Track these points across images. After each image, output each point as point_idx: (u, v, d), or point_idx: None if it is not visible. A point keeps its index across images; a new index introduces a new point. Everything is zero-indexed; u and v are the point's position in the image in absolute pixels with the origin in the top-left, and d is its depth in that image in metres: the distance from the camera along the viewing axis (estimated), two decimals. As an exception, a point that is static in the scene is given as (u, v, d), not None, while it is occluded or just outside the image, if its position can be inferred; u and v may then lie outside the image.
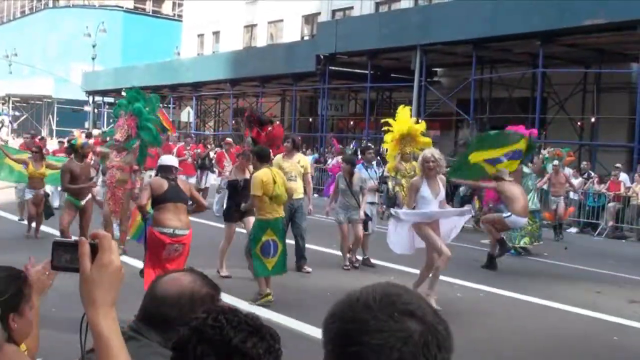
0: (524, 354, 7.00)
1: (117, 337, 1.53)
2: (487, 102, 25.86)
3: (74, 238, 1.66)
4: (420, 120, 14.19)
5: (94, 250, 1.53)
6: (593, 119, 23.73)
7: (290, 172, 10.35)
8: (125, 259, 9.40)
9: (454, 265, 10.25)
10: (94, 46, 46.38)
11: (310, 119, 34.86)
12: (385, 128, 12.66)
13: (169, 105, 39.86)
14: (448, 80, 28.04)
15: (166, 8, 62.98)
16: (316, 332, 7.24)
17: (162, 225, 7.15)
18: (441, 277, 8.95)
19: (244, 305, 7.67)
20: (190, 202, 7.62)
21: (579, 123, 24.03)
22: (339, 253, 11.15)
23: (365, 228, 10.93)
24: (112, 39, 50.95)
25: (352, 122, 34.12)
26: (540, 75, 20.82)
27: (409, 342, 1.23)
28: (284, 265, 8.46)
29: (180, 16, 52.91)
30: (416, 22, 23.49)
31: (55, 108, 56.17)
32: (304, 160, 11.03)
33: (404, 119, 12.68)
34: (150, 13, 62.06)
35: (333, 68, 27.29)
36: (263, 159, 8.47)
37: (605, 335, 7.85)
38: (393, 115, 12.76)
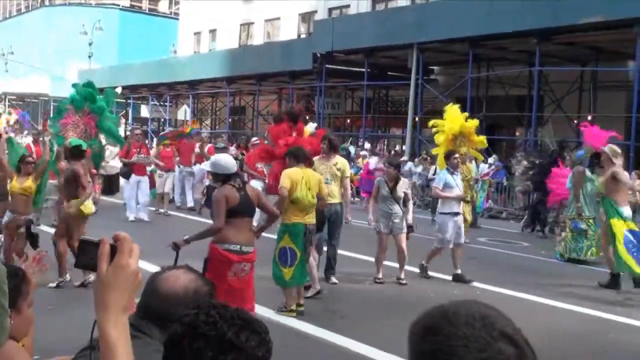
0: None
1: (125, 344, 1.48)
2: (483, 100, 25.86)
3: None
4: (474, 118, 13.37)
5: (113, 251, 1.50)
6: (590, 117, 23.73)
7: (325, 175, 9.40)
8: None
9: (449, 263, 10.30)
10: (90, 44, 46.30)
11: (307, 117, 34.82)
12: (435, 129, 12.11)
13: (166, 104, 39.83)
14: (445, 78, 28.04)
15: (162, 6, 62.88)
16: (319, 332, 7.26)
17: (227, 242, 6.22)
18: (438, 275, 8.99)
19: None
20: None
21: (575, 121, 24.07)
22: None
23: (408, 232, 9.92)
24: (109, 37, 50.79)
25: (349, 120, 34.13)
26: (536, 73, 20.86)
27: None
28: (302, 275, 7.88)
29: (176, 14, 52.82)
30: (412, 20, 23.50)
31: (52, 106, 56.04)
32: (342, 163, 9.86)
33: (455, 117, 12.05)
34: (147, 11, 61.94)
35: (330, 66, 27.27)
36: (298, 158, 7.93)
37: (601, 332, 7.87)
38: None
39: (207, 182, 18.71)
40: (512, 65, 24.68)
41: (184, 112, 35.70)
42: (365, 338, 6.91)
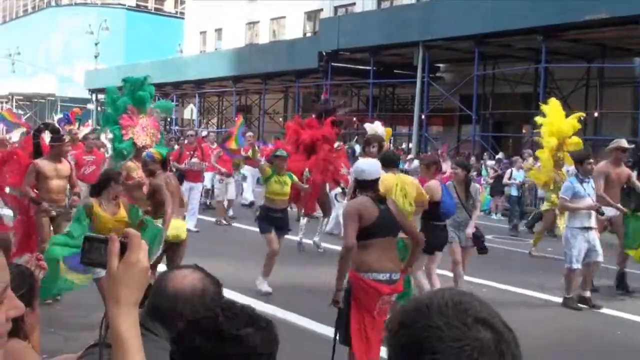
0: (526, 349, 7.00)
1: (136, 338, 1.52)
2: (489, 97, 25.83)
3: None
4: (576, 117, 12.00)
5: (123, 248, 1.52)
6: (596, 114, 23.68)
7: None
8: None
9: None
10: (96, 44, 46.42)
11: (313, 116, 34.85)
12: (543, 136, 11.12)
13: (172, 103, 39.86)
14: (451, 76, 28.02)
15: (168, 5, 62.97)
16: (323, 329, 7.27)
17: (373, 269, 5.16)
18: (444, 273, 8.98)
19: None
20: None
21: (582, 118, 24.01)
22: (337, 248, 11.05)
23: (483, 249, 8.47)
24: (115, 37, 50.90)
25: (354, 119, 34.11)
26: (542, 70, 20.83)
27: (484, 351, 1.18)
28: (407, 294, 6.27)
29: (182, 13, 52.90)
30: (418, 18, 23.49)
31: (59, 106, 56.22)
32: None
33: (559, 114, 11.17)
34: (153, 11, 62.06)
35: (335, 64, 27.28)
36: (387, 163, 6.96)
37: (609, 330, 7.87)
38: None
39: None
40: (518, 62, 24.64)
41: (190, 112, 35.76)
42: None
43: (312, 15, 35.22)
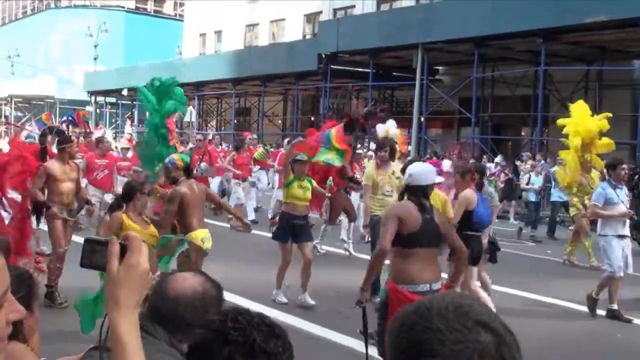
0: (527, 352, 7.00)
1: (136, 341, 1.52)
2: (489, 100, 25.85)
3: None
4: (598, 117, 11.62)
5: (123, 250, 1.52)
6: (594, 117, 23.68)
7: (383, 186, 8.63)
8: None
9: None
10: (96, 46, 46.41)
11: (312, 118, 34.88)
12: (567, 137, 10.75)
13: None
14: (450, 79, 28.04)
15: (168, 8, 62.98)
16: (324, 333, 7.27)
17: (412, 281, 4.96)
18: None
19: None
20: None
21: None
22: (339, 251, 11.05)
23: (492, 258, 8.22)
24: (114, 39, 50.88)
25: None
26: (542, 73, 20.84)
27: (485, 354, 1.18)
28: None
29: (181, 16, 52.92)
30: (418, 20, 23.50)
31: (58, 108, 56.22)
32: (398, 170, 8.63)
33: (586, 115, 10.84)
34: (152, 13, 62.07)
35: (335, 67, 27.30)
36: None
37: (609, 332, 7.86)
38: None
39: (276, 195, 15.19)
40: (517, 65, 24.66)
41: (189, 114, 35.75)
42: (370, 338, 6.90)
43: (311, 18, 35.25)
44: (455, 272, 5.46)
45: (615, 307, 8.38)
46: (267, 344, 1.79)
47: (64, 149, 8.35)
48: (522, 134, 26.67)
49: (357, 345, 6.80)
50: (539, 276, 10.92)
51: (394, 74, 28.17)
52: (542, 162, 18.54)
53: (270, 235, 9.01)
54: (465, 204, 7.27)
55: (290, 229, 8.43)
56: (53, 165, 8.19)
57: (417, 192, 5.10)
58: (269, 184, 18.75)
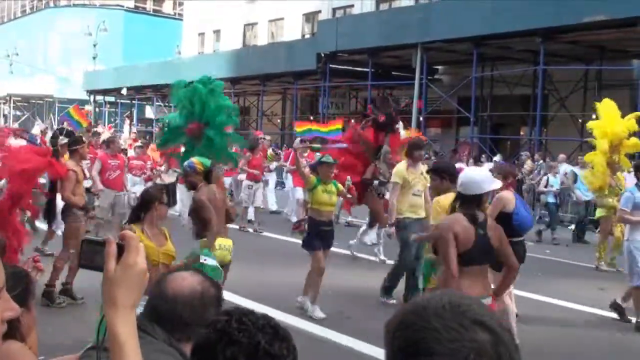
0: (527, 351, 7.00)
1: (133, 340, 1.52)
2: (488, 99, 25.86)
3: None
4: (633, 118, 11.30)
5: (121, 250, 1.52)
6: (594, 116, 23.68)
7: (415, 184, 8.42)
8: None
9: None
10: (95, 45, 46.40)
11: (311, 117, 34.88)
12: (596, 138, 10.35)
13: (171, 104, 39.83)
14: (449, 78, 28.03)
15: (167, 7, 62.97)
16: (325, 333, 7.27)
17: None
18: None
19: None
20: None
21: (580, 120, 24.03)
22: (340, 251, 11.02)
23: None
24: (113, 38, 50.86)
25: (353, 121, 34.08)
26: (541, 72, 20.84)
27: (482, 353, 1.17)
28: None
29: (180, 15, 52.90)
30: (416, 19, 23.49)
31: (57, 108, 56.19)
32: (425, 172, 8.38)
33: (614, 116, 10.43)
34: (151, 12, 62.06)
35: (334, 66, 27.29)
36: (440, 175, 6.57)
37: (609, 332, 7.86)
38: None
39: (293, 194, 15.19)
40: (517, 64, 24.66)
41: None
42: (371, 339, 6.90)
43: (310, 17, 35.23)
44: (502, 285, 5.26)
45: (624, 305, 8.27)
46: (272, 347, 1.78)
47: (77, 150, 8.34)
48: (521, 133, 26.67)
49: (357, 345, 6.81)
50: (537, 276, 10.91)
51: (393, 73, 28.15)
52: (541, 162, 18.54)
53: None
54: (501, 205, 6.93)
55: (318, 235, 8.08)
56: (76, 168, 8.18)
57: (471, 203, 4.77)
58: (276, 186, 18.65)
